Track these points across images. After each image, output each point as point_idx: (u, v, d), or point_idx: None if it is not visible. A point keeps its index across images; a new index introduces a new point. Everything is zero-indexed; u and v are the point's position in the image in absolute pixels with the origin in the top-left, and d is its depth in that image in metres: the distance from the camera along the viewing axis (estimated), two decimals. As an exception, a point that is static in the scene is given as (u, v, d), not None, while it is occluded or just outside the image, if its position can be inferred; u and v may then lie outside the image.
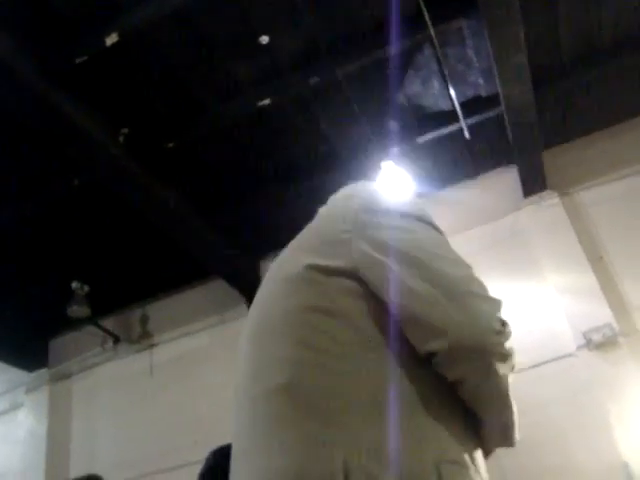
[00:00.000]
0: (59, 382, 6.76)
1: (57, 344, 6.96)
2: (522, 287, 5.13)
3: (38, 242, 5.65)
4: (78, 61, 4.06)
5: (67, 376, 6.78)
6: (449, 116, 5.16)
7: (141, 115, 4.73)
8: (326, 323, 1.10)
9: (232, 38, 4.28)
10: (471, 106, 5.12)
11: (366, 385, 1.04)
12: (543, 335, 4.83)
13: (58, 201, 5.24)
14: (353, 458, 0.96)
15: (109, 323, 6.67)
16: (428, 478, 0.98)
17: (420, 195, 5.36)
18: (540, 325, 4.93)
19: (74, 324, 6.37)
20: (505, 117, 4.84)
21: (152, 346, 6.53)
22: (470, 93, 5.10)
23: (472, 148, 5.55)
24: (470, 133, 5.15)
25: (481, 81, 4.99)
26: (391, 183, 5.05)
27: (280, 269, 1.29)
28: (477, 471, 1.07)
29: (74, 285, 5.89)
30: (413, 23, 4.26)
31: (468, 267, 1.15)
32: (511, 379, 1.14)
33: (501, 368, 1.08)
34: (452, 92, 4.76)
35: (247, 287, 6.15)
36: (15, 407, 6.84)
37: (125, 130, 4.67)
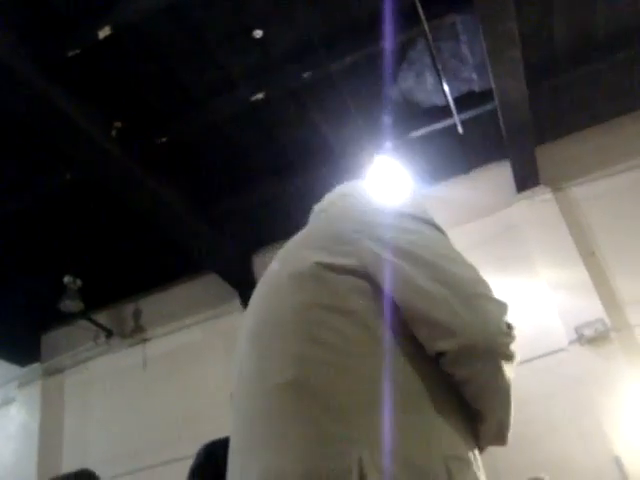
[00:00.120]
0: (51, 377, 6.75)
1: (49, 338, 6.94)
2: (514, 282, 5.15)
3: (30, 236, 5.63)
4: (71, 54, 4.05)
5: (60, 371, 6.77)
6: (442, 111, 5.16)
7: (134, 109, 4.71)
8: (337, 321, 1.11)
9: (226, 32, 4.26)
10: (465, 101, 5.12)
11: (377, 383, 1.06)
12: (535, 330, 4.85)
13: (51, 195, 5.22)
14: (367, 455, 0.97)
15: (102, 317, 6.65)
16: (438, 475, 1.00)
17: (414, 190, 5.36)
18: (532, 320, 4.95)
19: (67, 318, 6.36)
20: (498, 112, 4.85)
21: (145, 340, 6.52)
22: (464, 88, 5.11)
23: (465, 143, 5.56)
24: (463, 128, 5.15)
25: (475, 76, 4.99)
26: (384, 177, 5.05)
27: (285, 266, 1.28)
28: (478, 466, 1.10)
29: (66, 279, 5.87)
30: (407, 18, 4.25)
31: (474, 268, 1.17)
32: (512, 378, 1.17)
33: (506, 368, 1.12)
34: (446, 87, 4.75)
35: (240, 281, 6.15)
36: (7, 402, 6.83)
37: (118, 124, 4.65)
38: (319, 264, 1.17)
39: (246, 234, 6.11)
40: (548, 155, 5.58)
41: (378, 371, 1.07)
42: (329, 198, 1.59)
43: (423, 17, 4.15)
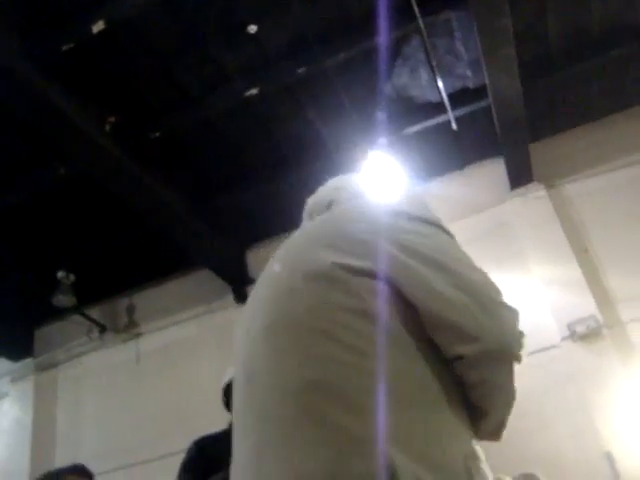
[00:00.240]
0: (44, 372, 6.74)
1: (43, 333, 6.92)
2: (508, 279, 5.16)
3: (24, 231, 5.61)
4: (64, 48, 4.03)
5: (53, 365, 6.76)
6: (437, 107, 5.17)
7: (128, 104, 4.70)
8: (355, 322, 1.11)
9: (220, 27, 4.26)
10: (459, 98, 5.13)
11: (399, 385, 1.07)
12: (528, 327, 4.74)
13: (44, 190, 5.21)
14: (398, 456, 0.98)
15: (95, 312, 6.64)
16: (460, 474, 1.03)
17: (407, 186, 5.37)
18: (525, 317, 4.85)
19: (60, 313, 6.34)
20: (493, 109, 4.86)
21: (138, 335, 6.51)
22: (458, 85, 5.11)
23: (459, 139, 5.56)
24: (457, 125, 5.16)
25: (469, 73, 4.99)
26: (378, 173, 5.06)
27: (295, 265, 1.27)
28: (484, 462, 1.12)
29: (60, 274, 5.85)
30: (402, 14, 4.25)
31: (483, 271, 1.21)
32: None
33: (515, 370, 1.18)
34: (440, 83, 4.76)
35: (234, 277, 6.15)
36: (0, 397, 6.81)
37: (112, 119, 4.64)
38: (336, 265, 1.17)
39: (240, 230, 6.10)
40: (542, 152, 5.59)
41: (397, 372, 1.09)
42: (325, 192, 1.59)
43: (418, 13, 4.15)
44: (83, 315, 6.49)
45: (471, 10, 4.06)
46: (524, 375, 1.23)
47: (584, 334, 4.78)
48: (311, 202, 1.62)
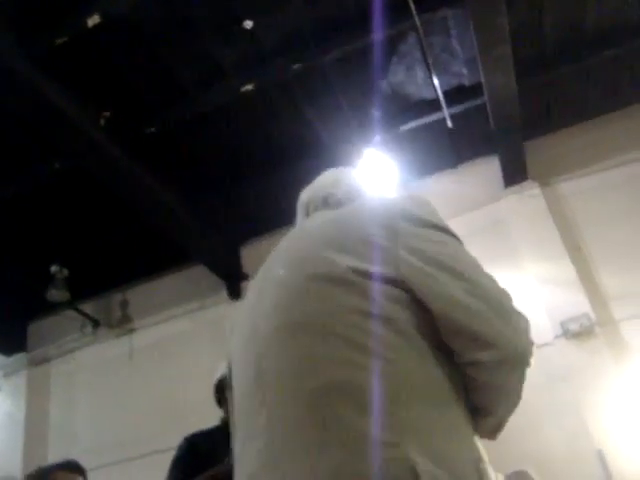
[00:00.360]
0: (37, 366, 6.72)
1: (36, 328, 6.91)
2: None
3: (17, 225, 5.60)
4: (58, 42, 4.01)
5: (46, 360, 6.74)
6: (432, 105, 5.17)
7: (123, 99, 4.69)
8: (375, 327, 1.13)
9: (216, 22, 4.24)
10: (454, 95, 5.13)
11: (415, 388, 1.10)
12: (521, 324, 4.87)
13: (39, 184, 5.20)
14: (419, 460, 1.00)
15: (88, 307, 6.63)
16: (473, 475, 1.06)
17: (402, 183, 5.38)
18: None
19: (53, 308, 6.33)
20: (488, 107, 4.86)
21: (132, 331, 6.51)
22: (453, 82, 5.11)
23: (454, 137, 5.57)
24: (453, 122, 5.16)
25: (465, 71, 5.00)
26: (373, 171, 5.06)
27: (307, 265, 1.27)
28: (488, 463, 1.14)
29: (53, 269, 5.84)
30: (398, 11, 4.25)
31: (493, 277, 1.27)
32: None
33: None
34: (435, 81, 4.76)
35: (228, 273, 6.15)
36: (-7, 391, 6.81)
37: (106, 113, 4.62)
38: (351, 269, 1.19)
39: (234, 226, 6.10)
40: (536, 150, 5.60)
41: (413, 375, 1.11)
42: (320, 186, 1.59)
43: (414, 11, 4.14)
44: (76, 310, 6.48)
45: (467, 8, 4.06)
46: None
47: (577, 332, 4.80)
48: (305, 196, 1.61)
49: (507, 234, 5.41)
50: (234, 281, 6.12)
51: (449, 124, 5.14)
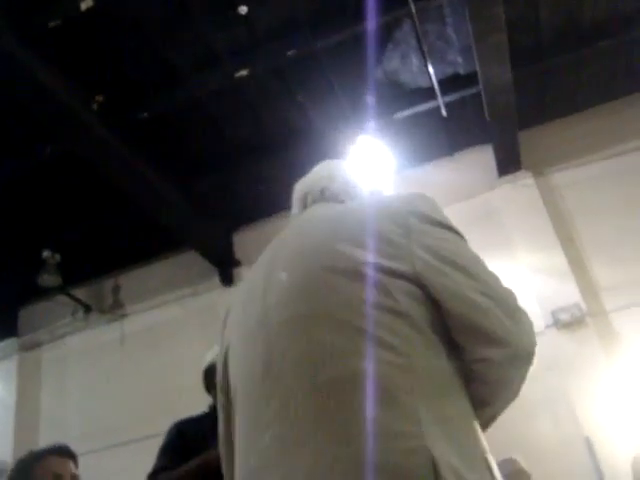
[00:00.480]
0: (29, 351, 6.71)
1: (27, 313, 6.89)
2: (493, 265, 5.13)
3: (9, 210, 5.56)
4: (52, 25, 3.97)
5: (37, 345, 6.73)
6: (427, 93, 5.16)
7: (116, 83, 4.65)
8: (393, 322, 1.16)
9: (211, 7, 4.21)
10: (449, 84, 5.12)
11: (430, 382, 1.13)
12: (513, 313, 4.89)
13: (30, 169, 5.16)
14: (439, 453, 1.02)
15: (80, 293, 6.61)
16: (482, 470, 1.09)
17: (396, 171, 5.37)
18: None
19: (45, 293, 6.31)
20: (483, 96, 4.85)
21: (123, 316, 6.50)
22: (449, 71, 5.10)
23: (449, 126, 5.56)
24: (447, 111, 5.15)
25: (460, 59, 4.98)
26: (367, 158, 5.05)
27: (322, 258, 1.27)
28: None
29: (45, 254, 5.82)
30: (394, -2, 4.24)
31: (497, 276, 1.30)
32: None
33: None
34: (430, 69, 4.75)
35: (220, 259, 6.14)
36: (-17, 376, 6.79)
37: (99, 98, 4.59)
38: (373, 265, 1.21)
39: (227, 212, 6.09)
40: (531, 140, 5.60)
41: (430, 370, 1.15)
42: (316, 179, 1.59)
43: (410, -2, 4.13)
44: (68, 295, 6.46)
45: (463, -4, 4.05)
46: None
47: (568, 322, 4.83)
48: (301, 189, 1.61)
49: (500, 223, 5.42)
50: (226, 267, 6.11)
51: (443, 113, 5.13)
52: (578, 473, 4.42)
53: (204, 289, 6.19)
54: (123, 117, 4.78)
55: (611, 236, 5.12)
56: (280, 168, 5.46)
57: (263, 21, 4.39)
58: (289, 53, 4.55)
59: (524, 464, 3.74)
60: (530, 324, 1.26)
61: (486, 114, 5.02)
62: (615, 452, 4.28)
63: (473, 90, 5.07)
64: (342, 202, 1.52)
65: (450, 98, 5.16)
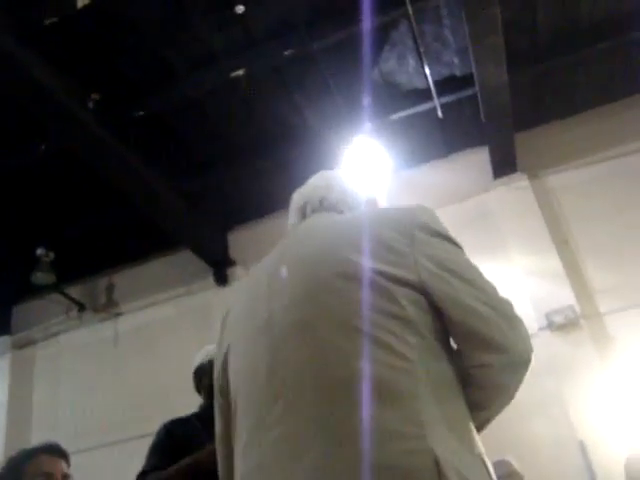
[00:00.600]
0: (22, 349, 6.69)
1: (21, 311, 6.87)
2: (487, 267, 5.14)
3: (3, 207, 5.54)
4: (48, 22, 3.96)
5: (30, 343, 6.71)
6: (423, 94, 5.16)
7: (111, 81, 4.64)
8: (397, 327, 1.21)
9: (207, 6, 4.21)
10: (445, 85, 5.12)
11: (435, 386, 1.18)
12: (507, 315, 4.88)
13: (25, 166, 5.15)
14: (441, 454, 1.06)
15: (74, 291, 6.59)
16: (481, 470, 1.15)
17: (391, 172, 5.36)
18: (504, 305, 4.98)
19: (38, 291, 6.29)
20: (479, 98, 4.85)
21: (117, 315, 6.48)
22: (445, 72, 5.10)
23: (445, 127, 5.57)
24: (443, 112, 5.15)
25: (456, 60, 4.98)
26: (363, 158, 5.04)
27: (329, 264, 1.32)
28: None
29: (39, 251, 5.79)
30: (391, -1, 4.24)
31: (495, 286, 1.35)
32: None
33: None
34: (427, 70, 4.75)
35: (215, 259, 6.13)
36: (-24, 374, 6.76)
37: (95, 96, 4.58)
38: (377, 271, 1.26)
39: (221, 211, 6.08)
40: (526, 142, 5.60)
41: (432, 374, 1.19)
42: (314, 189, 1.63)
43: (407, -1, 4.13)
44: (62, 293, 6.44)
45: (460, -3, 4.05)
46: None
47: (562, 324, 4.83)
48: (299, 198, 1.65)
49: (495, 225, 5.42)
50: (221, 267, 6.10)
51: (439, 114, 5.13)
52: (571, 475, 4.42)
53: (198, 288, 6.17)
54: (119, 115, 4.77)
55: (606, 239, 5.13)
56: (276, 168, 5.46)
57: (260, 20, 4.39)
58: (286, 53, 4.55)
59: (517, 466, 3.74)
60: (526, 332, 1.31)
61: (482, 115, 5.02)
62: (608, 454, 4.28)
63: (469, 91, 5.07)
64: (341, 212, 1.57)
65: (446, 99, 5.16)
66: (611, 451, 4.27)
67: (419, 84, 5.14)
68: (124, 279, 6.58)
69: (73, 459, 2.40)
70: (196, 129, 5.22)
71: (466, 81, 5.03)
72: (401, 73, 5.06)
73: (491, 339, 1.24)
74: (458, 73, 5.10)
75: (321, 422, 1.14)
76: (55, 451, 2.35)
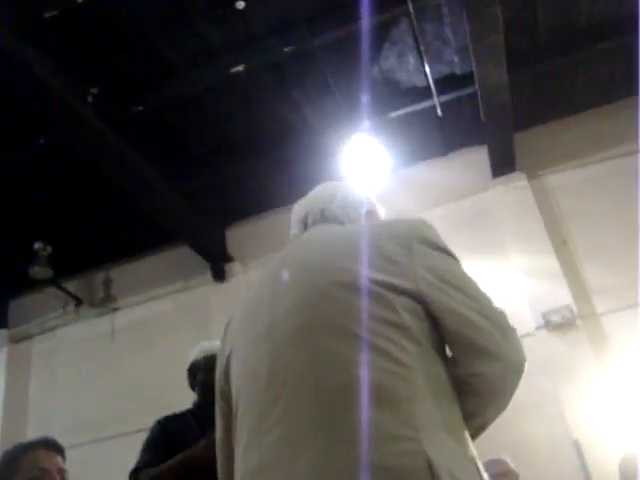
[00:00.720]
0: (19, 343, 6.68)
1: (18, 305, 6.86)
2: (485, 266, 5.19)
3: (1, 201, 5.53)
4: (47, 16, 3.95)
5: (27, 337, 6.70)
6: (423, 92, 5.16)
7: (111, 76, 4.64)
8: (394, 334, 1.25)
9: (208, 1, 4.20)
10: (445, 84, 5.12)
11: (430, 391, 1.22)
12: (504, 314, 4.88)
13: (24, 160, 5.14)
14: (434, 456, 1.10)
15: (71, 285, 6.59)
16: (473, 473, 1.18)
17: (390, 170, 5.36)
18: (501, 304, 4.95)
19: (36, 285, 6.29)
20: (478, 97, 4.85)
21: (114, 310, 6.48)
22: (445, 71, 5.10)
23: (444, 126, 5.56)
24: (443, 111, 5.15)
25: (456, 59, 4.98)
26: (362, 156, 5.04)
27: (329, 273, 1.36)
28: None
29: (37, 245, 5.79)
30: (392, -3, 4.23)
31: (490, 297, 1.38)
32: None
33: None
34: (427, 68, 4.74)
35: (212, 254, 6.12)
36: (-27, 368, 6.75)
37: (94, 90, 4.57)
38: (375, 280, 1.30)
39: (220, 207, 6.07)
40: (525, 142, 5.60)
41: (427, 380, 1.23)
42: (316, 199, 1.67)
43: (408, -3, 4.13)
44: (59, 288, 6.44)
45: (461, -4, 4.05)
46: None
47: (558, 324, 4.83)
48: (300, 210, 1.69)
49: (493, 224, 5.43)
50: (218, 263, 6.09)
51: (439, 112, 5.13)
52: (566, 474, 4.43)
53: (196, 284, 6.18)
54: (118, 110, 4.76)
55: (603, 239, 5.13)
56: (274, 165, 5.45)
57: (260, 17, 4.38)
58: (285, 50, 4.54)
59: (512, 464, 3.74)
60: (519, 342, 1.35)
61: (481, 114, 5.02)
62: (603, 454, 4.29)
63: (469, 90, 5.07)
64: (341, 223, 1.60)
65: (446, 98, 5.17)
66: (606, 450, 4.28)
67: (419, 82, 5.13)
68: (122, 274, 6.58)
69: (69, 454, 2.40)
70: (195, 125, 5.22)
71: (466, 80, 5.03)
72: (401, 71, 5.05)
73: (485, 348, 1.29)
74: (458, 72, 5.10)
75: (320, 424, 1.18)
76: (51, 446, 2.34)
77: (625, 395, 4.53)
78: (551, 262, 5.09)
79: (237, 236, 6.22)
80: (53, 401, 6.32)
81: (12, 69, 4.00)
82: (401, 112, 5.30)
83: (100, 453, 5.63)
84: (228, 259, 6.11)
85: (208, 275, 6.09)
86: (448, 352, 1.35)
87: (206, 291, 6.04)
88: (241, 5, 4.20)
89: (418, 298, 1.29)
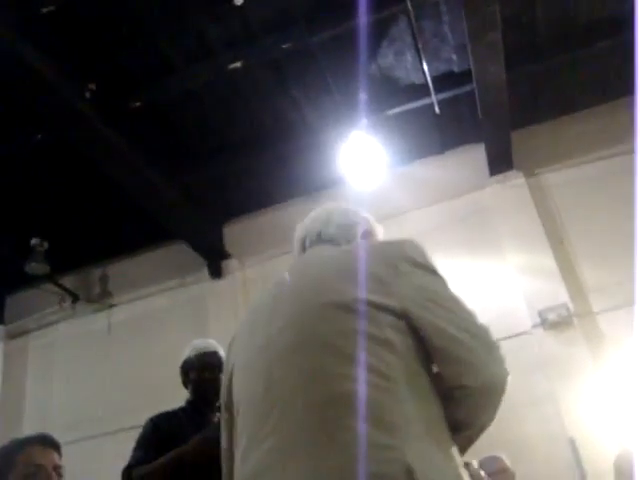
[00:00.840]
0: (15, 339, 6.68)
1: (14, 300, 6.85)
2: (482, 264, 5.19)
3: (-3, 196, 5.53)
4: (45, 10, 3.94)
5: (23, 333, 6.70)
6: (420, 90, 5.15)
7: (109, 72, 4.62)
8: (379, 349, 1.32)
9: (206, -2, 4.20)
10: (443, 81, 5.12)
11: (413, 404, 1.29)
12: (500, 312, 4.89)
13: (21, 155, 5.13)
14: (415, 464, 1.17)
15: (68, 281, 6.58)
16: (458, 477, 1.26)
17: (387, 168, 5.36)
18: (497, 302, 5.00)
19: (32, 281, 6.28)
20: (476, 94, 4.85)
21: (111, 306, 6.47)
22: (443, 68, 5.10)
23: (441, 123, 5.56)
24: (440, 108, 5.15)
25: (454, 57, 4.98)
26: (359, 153, 5.04)
27: (321, 293, 1.45)
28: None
29: (33, 241, 5.78)
30: (390, -6, 4.23)
31: (474, 314, 1.43)
32: None
33: None
34: (425, 66, 4.74)
35: (209, 251, 6.12)
36: (-31, 363, 6.75)
37: (92, 86, 4.56)
38: (363, 300, 1.38)
39: (217, 204, 6.07)
40: (523, 140, 5.60)
41: (411, 393, 1.30)
42: (313, 223, 1.77)
43: (406, -6, 4.12)
44: (56, 284, 6.44)
45: (460, -6, 4.04)
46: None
47: (555, 322, 4.84)
48: (300, 231, 1.80)
49: (490, 222, 5.43)
50: (215, 260, 6.09)
51: (437, 110, 5.13)
52: (562, 471, 4.44)
53: (193, 281, 6.18)
54: (115, 106, 4.75)
55: (600, 238, 5.14)
56: (272, 162, 5.45)
57: (259, 14, 4.38)
58: (284, 47, 4.54)
59: (508, 462, 3.75)
60: (502, 357, 1.40)
61: (479, 112, 5.02)
62: (599, 451, 4.30)
63: (467, 88, 5.07)
64: (338, 244, 1.69)
65: (444, 95, 5.16)
66: (602, 448, 4.29)
67: (417, 80, 5.13)
68: (118, 270, 6.57)
69: (65, 450, 2.40)
70: (193, 121, 5.21)
71: (464, 78, 5.03)
72: (399, 69, 5.05)
73: (469, 363, 1.35)
74: (456, 69, 5.10)
75: (310, 434, 1.26)
76: (47, 442, 2.34)
77: (621, 393, 4.54)
78: (548, 260, 5.10)
79: (234, 233, 6.21)
80: (49, 397, 6.31)
81: (9, 65, 3.99)
82: (399, 110, 5.30)
83: (96, 449, 5.63)
84: (225, 256, 6.11)
85: (205, 272, 6.09)
86: (434, 367, 1.40)
87: (203, 288, 6.04)
88: (240, 1, 4.19)
89: (401, 314, 1.36)
